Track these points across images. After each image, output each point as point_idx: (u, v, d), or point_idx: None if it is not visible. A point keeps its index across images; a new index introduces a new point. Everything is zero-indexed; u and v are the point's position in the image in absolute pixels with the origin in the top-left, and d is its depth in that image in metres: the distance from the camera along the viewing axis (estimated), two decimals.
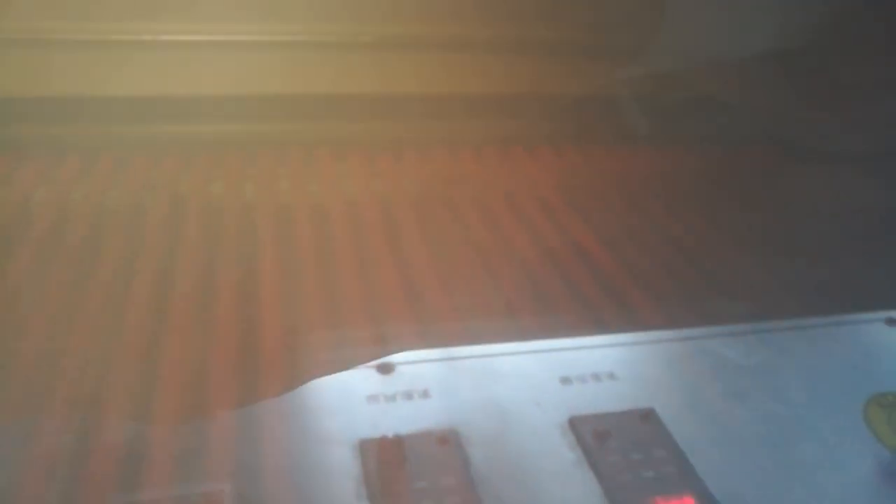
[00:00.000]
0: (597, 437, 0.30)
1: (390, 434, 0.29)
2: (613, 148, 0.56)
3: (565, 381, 0.34)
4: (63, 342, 0.34)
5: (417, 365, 0.34)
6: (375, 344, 0.35)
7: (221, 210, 0.45)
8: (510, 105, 0.58)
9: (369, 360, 0.34)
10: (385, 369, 0.34)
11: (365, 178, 0.51)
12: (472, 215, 0.47)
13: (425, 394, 0.32)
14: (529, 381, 0.33)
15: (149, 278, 0.38)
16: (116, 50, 0.52)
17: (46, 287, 0.37)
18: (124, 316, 0.35)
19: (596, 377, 0.34)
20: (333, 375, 0.33)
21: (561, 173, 0.53)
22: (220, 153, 0.51)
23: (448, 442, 0.30)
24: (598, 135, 0.57)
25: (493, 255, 0.42)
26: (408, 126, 0.56)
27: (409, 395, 0.32)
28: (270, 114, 0.53)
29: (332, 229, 0.44)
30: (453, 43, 0.56)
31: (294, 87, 0.54)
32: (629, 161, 0.55)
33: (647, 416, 0.32)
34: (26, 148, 0.49)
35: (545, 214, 0.47)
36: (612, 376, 0.34)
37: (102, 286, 0.37)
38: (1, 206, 0.44)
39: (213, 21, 0.53)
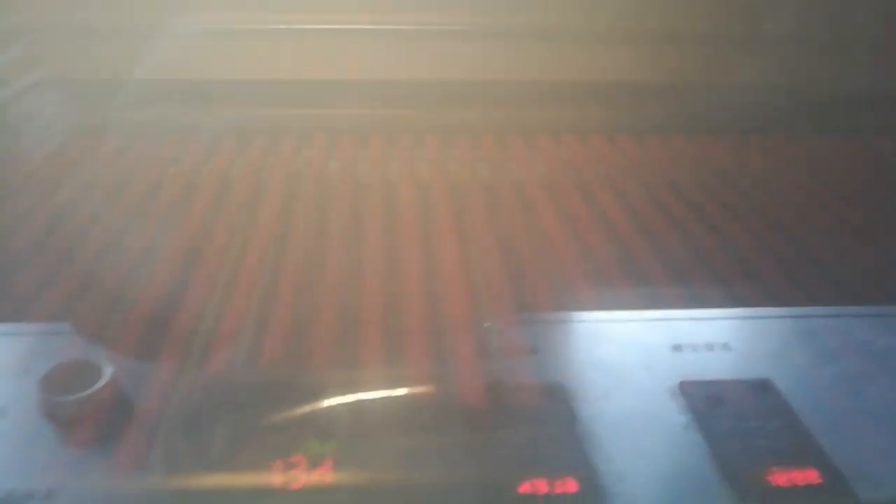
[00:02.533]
0: (709, 402, 0.30)
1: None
2: (750, 137, 0.55)
3: (676, 348, 0.33)
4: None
5: (522, 326, 0.34)
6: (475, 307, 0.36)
7: (390, 187, 0.48)
8: (639, 93, 0.57)
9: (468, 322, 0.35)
10: (489, 329, 0.34)
11: (500, 161, 0.52)
12: (605, 195, 0.46)
13: (532, 351, 0.33)
14: (639, 346, 0.33)
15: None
16: (269, 37, 0.56)
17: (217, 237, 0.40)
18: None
19: (709, 347, 0.33)
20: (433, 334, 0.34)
21: (689, 160, 0.52)
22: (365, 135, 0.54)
23: (554, 396, 0.30)
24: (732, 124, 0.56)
25: (623, 230, 0.42)
26: (538, 112, 0.57)
27: (514, 352, 0.33)
28: (415, 99, 0.56)
29: (478, 206, 0.45)
30: (586, 33, 0.57)
31: (432, 74, 0.57)
32: (773, 150, 0.54)
33: (764, 387, 0.31)
34: (192, 128, 0.54)
35: (675, 195, 0.47)
36: (726, 347, 0.33)
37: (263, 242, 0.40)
38: (178, 179, 0.48)
39: (355, 11, 0.56)
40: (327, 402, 0.29)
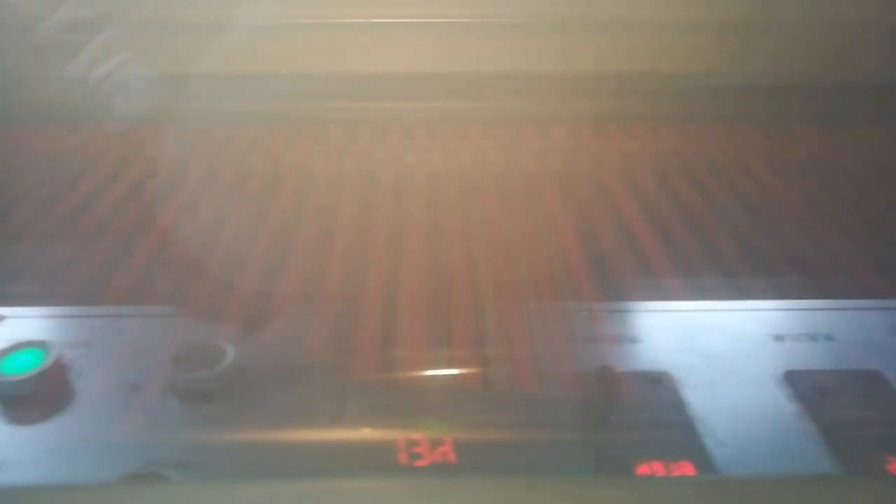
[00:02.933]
0: (817, 391, 0.30)
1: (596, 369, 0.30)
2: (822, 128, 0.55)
3: (778, 338, 0.33)
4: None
5: (621, 314, 0.35)
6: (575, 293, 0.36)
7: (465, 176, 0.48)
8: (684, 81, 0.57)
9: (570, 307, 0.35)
10: (590, 316, 0.35)
11: (571, 151, 0.52)
12: (680, 183, 0.46)
13: (634, 339, 0.33)
14: (740, 335, 0.33)
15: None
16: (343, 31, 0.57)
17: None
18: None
19: (812, 337, 0.33)
20: (536, 316, 0.34)
21: (764, 149, 0.52)
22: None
23: (661, 382, 0.30)
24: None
25: (705, 220, 0.42)
26: (607, 103, 0.57)
27: (617, 340, 0.33)
28: (480, 90, 0.56)
29: (553, 192, 0.46)
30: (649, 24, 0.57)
31: (500, 66, 0.57)
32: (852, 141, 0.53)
33: (872, 377, 0.30)
34: (269, 119, 0.55)
35: (753, 184, 0.46)
36: (829, 338, 0.33)
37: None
38: (258, 167, 0.50)
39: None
40: (441, 383, 0.29)
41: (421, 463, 0.26)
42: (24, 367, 0.29)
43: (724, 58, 0.56)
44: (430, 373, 0.30)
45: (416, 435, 0.27)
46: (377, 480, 0.25)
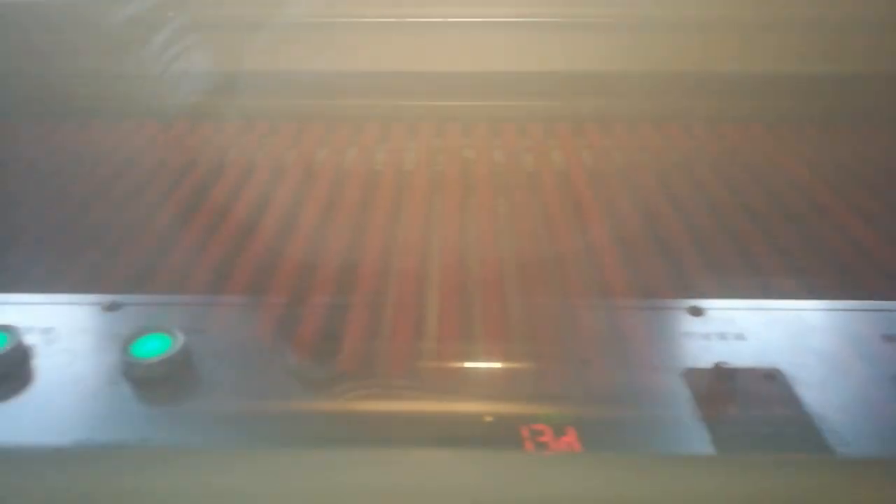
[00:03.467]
0: None
1: (711, 366, 0.31)
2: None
3: (889, 339, 0.33)
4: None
5: (727, 312, 0.35)
6: (681, 290, 0.37)
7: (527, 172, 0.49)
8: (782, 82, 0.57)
9: (676, 304, 0.35)
10: (696, 312, 0.35)
11: (634, 150, 0.52)
12: (779, 182, 0.46)
13: (740, 336, 0.33)
14: (848, 335, 0.33)
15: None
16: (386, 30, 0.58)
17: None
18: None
19: None
20: (646, 312, 0.35)
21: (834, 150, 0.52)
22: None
23: (774, 379, 0.30)
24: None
25: (813, 219, 0.42)
26: (670, 102, 0.57)
27: (723, 336, 0.33)
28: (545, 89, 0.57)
29: (621, 187, 0.46)
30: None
31: (561, 66, 0.58)
32: None
33: None
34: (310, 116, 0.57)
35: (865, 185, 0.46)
36: None
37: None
38: (333, 160, 0.51)
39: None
40: (558, 374, 0.30)
41: (548, 452, 0.26)
42: (154, 351, 0.30)
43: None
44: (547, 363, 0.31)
45: (539, 425, 0.27)
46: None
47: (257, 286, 0.37)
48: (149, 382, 0.30)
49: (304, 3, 0.57)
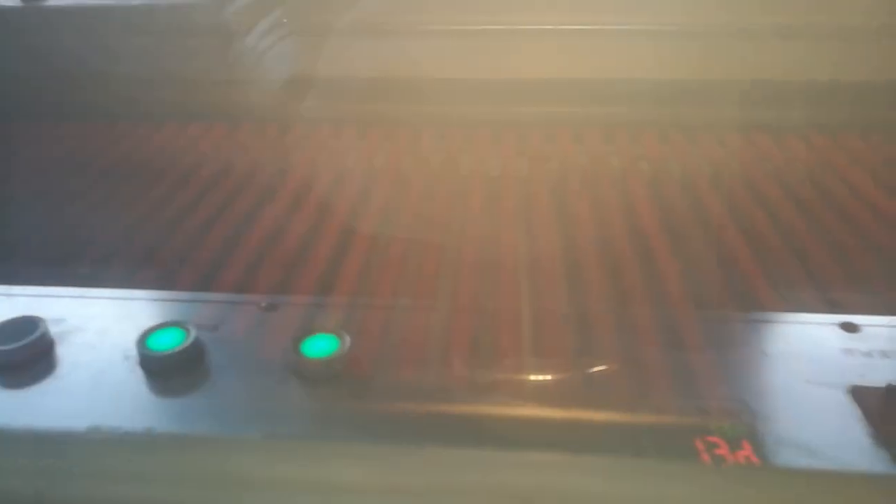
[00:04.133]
0: None
1: (884, 384, 0.30)
2: None
3: None
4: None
5: (885, 329, 0.34)
6: (828, 305, 0.36)
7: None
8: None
9: (825, 319, 0.35)
10: (850, 328, 0.34)
11: (756, 159, 0.52)
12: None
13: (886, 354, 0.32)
14: None
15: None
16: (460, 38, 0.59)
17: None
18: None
19: None
20: (796, 326, 0.34)
21: None
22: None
23: None
24: None
25: None
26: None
27: (886, 354, 0.32)
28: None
29: (747, 195, 0.46)
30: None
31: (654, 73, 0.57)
32: None
33: None
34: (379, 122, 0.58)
35: None
36: None
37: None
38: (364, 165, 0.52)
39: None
40: (725, 386, 0.30)
41: (726, 465, 0.26)
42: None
43: None
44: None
45: (714, 437, 0.27)
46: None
47: (401, 288, 0.38)
48: (317, 380, 0.31)
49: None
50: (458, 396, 0.30)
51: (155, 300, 0.37)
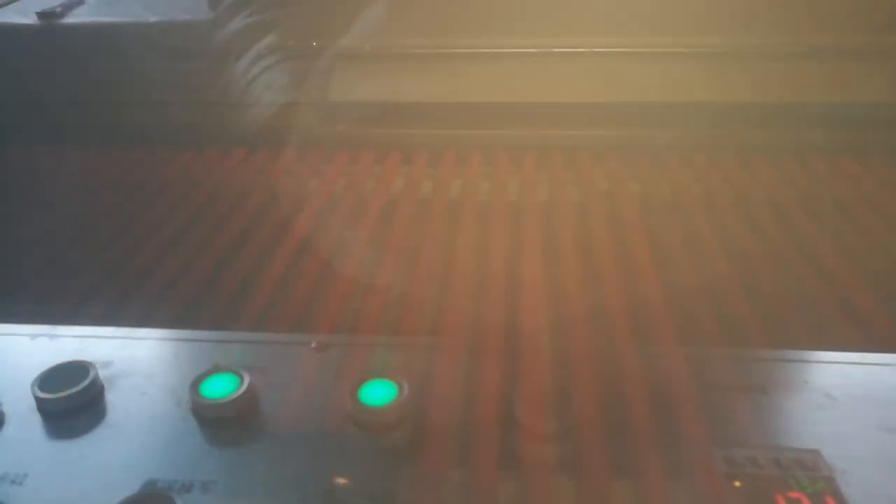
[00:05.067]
0: None
1: None
2: None
3: None
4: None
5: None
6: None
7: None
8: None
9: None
10: None
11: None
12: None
13: None
14: None
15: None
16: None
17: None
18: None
19: None
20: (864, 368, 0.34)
21: None
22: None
23: None
24: None
25: None
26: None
27: None
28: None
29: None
30: None
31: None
32: None
33: None
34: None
35: None
36: None
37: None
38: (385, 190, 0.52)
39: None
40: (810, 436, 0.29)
41: None
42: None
43: None
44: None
45: (795, 493, 0.26)
46: None
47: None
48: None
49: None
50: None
51: (201, 341, 0.37)
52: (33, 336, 0.36)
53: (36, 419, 0.31)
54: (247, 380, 0.32)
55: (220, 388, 0.32)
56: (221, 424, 0.31)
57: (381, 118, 0.59)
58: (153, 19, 0.60)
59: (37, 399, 0.32)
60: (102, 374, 0.33)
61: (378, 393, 0.31)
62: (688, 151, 0.55)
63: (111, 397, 0.33)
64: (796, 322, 0.37)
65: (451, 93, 0.58)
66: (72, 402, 0.32)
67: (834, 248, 0.43)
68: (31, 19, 0.61)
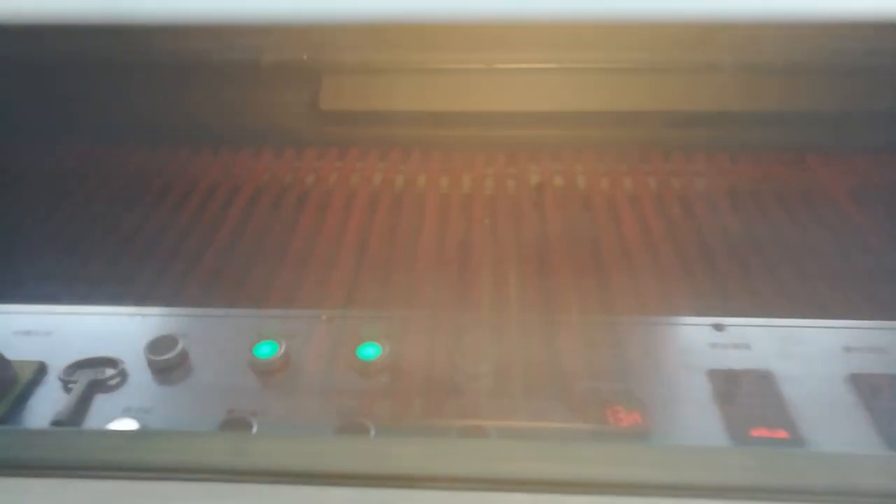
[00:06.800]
0: (874, 390, 0.46)
1: (724, 368, 0.48)
2: None
3: (847, 350, 0.49)
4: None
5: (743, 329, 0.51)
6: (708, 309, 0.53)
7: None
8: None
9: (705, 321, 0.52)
10: (719, 328, 0.51)
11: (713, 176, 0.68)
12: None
13: (747, 346, 0.50)
14: (815, 348, 0.49)
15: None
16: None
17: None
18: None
19: (872, 350, 0.49)
20: (680, 328, 0.52)
21: None
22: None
23: (766, 379, 0.47)
24: None
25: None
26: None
27: (737, 346, 0.50)
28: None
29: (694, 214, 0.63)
30: None
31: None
32: None
33: None
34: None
35: None
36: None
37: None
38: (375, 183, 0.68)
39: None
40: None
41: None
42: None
43: None
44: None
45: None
46: None
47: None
48: (369, 375, 0.48)
49: None
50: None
51: (245, 317, 0.54)
52: (131, 315, 0.53)
53: (148, 373, 0.49)
54: (284, 344, 0.49)
55: (268, 351, 0.49)
56: (270, 374, 0.48)
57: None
58: None
59: (148, 360, 0.49)
60: (183, 343, 0.50)
61: (370, 351, 0.49)
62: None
63: (193, 358, 0.50)
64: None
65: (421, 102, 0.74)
66: (170, 363, 0.49)
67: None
68: None
